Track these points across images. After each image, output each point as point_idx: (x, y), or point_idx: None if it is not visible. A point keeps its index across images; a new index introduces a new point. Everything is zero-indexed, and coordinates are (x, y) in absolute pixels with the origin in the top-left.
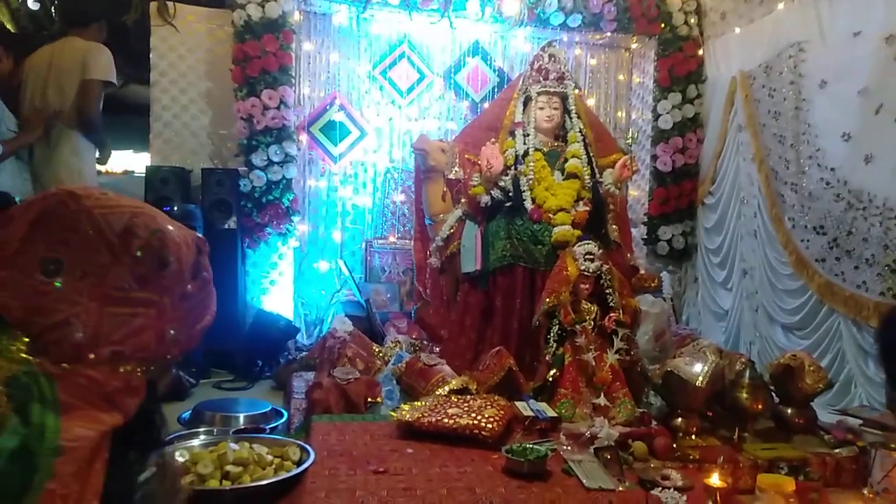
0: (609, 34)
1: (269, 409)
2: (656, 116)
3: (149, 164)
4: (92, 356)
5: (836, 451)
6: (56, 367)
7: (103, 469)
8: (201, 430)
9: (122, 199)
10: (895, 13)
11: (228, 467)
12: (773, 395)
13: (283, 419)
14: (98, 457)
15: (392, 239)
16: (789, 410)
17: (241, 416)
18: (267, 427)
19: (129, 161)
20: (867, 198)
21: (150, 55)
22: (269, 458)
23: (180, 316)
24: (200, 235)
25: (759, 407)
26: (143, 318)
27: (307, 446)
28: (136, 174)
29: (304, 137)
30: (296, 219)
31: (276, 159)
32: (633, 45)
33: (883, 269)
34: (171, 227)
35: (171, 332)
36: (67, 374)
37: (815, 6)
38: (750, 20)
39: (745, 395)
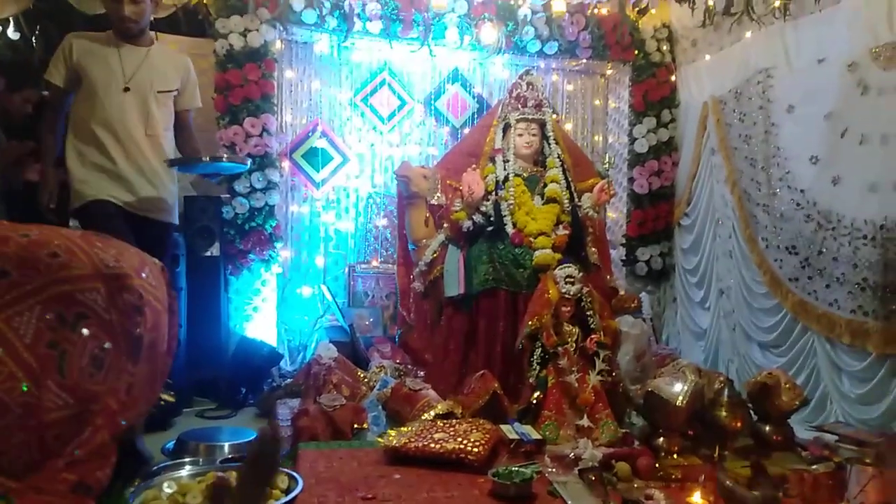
0: (585, 61)
1: (253, 437)
2: (632, 140)
3: None
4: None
5: (814, 467)
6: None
7: None
8: (186, 460)
9: None
10: (857, 41)
11: None
12: (752, 412)
13: None
14: None
15: (375, 263)
16: (767, 428)
17: (226, 445)
18: None
19: None
20: (836, 218)
21: None
22: None
23: (129, 405)
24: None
25: (738, 425)
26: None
27: (295, 474)
28: None
29: (286, 164)
30: (279, 245)
31: (258, 186)
32: (609, 71)
33: (853, 287)
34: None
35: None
36: (24, 488)
37: (781, 34)
38: (720, 47)
39: (724, 414)
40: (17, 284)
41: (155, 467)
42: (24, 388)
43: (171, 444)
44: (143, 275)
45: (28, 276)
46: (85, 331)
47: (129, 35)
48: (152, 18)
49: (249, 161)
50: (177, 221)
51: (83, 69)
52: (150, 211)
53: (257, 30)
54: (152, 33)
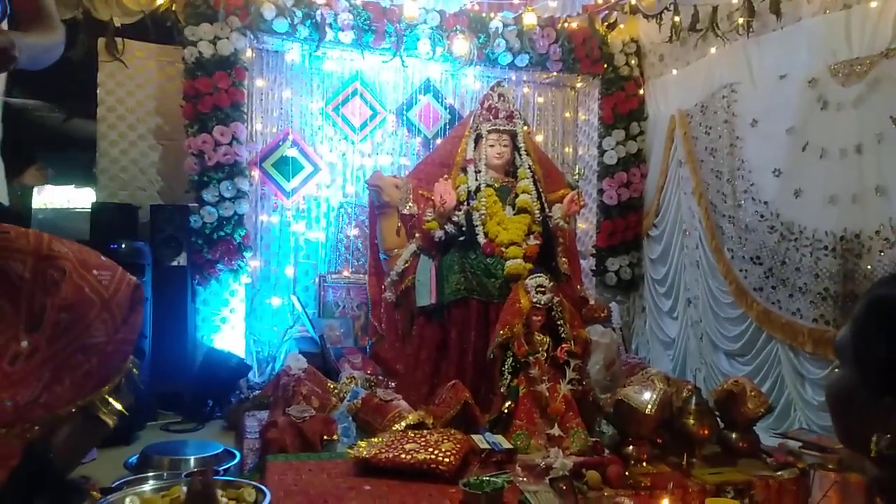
0: (555, 74)
1: (220, 450)
2: (601, 152)
3: (94, 200)
4: None
5: (779, 473)
6: None
7: None
8: (150, 474)
9: None
10: (817, 58)
11: None
12: (719, 420)
13: (236, 460)
14: None
15: (346, 273)
16: (733, 435)
17: (192, 459)
18: (220, 469)
19: (71, 196)
20: (798, 229)
21: (97, 91)
22: (224, 500)
23: (15, 381)
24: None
25: (706, 432)
26: None
27: (263, 487)
28: (76, 210)
29: (256, 173)
30: (248, 255)
31: (227, 195)
32: (578, 84)
33: (815, 296)
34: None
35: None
36: None
37: (744, 51)
38: (686, 63)
39: (692, 422)
40: None
41: (117, 482)
42: None
43: (134, 459)
44: (95, 272)
45: None
46: None
47: None
48: (119, 25)
49: None
50: None
51: None
52: None
53: (227, 38)
54: None
